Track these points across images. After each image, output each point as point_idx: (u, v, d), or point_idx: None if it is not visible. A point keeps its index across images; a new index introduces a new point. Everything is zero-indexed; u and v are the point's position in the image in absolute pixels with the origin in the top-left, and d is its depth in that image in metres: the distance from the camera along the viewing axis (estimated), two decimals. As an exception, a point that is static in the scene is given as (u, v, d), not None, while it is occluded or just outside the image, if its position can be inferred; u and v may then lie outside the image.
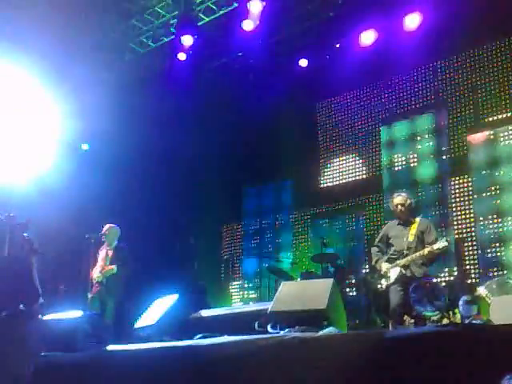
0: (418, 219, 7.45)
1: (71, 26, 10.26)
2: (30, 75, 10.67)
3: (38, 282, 5.97)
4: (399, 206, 7.42)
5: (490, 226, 9.92)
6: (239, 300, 12.90)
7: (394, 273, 7.17)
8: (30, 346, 4.92)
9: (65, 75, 11.04)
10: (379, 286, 7.49)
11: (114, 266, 8.78)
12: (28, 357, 4.91)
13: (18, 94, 10.68)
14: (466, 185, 10.45)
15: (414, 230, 7.28)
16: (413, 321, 7.04)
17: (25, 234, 5.31)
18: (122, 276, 8.81)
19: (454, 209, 10.47)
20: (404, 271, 7.11)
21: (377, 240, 7.77)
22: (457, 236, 10.30)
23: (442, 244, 6.94)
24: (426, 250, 7.02)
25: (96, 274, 8.73)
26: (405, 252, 7.18)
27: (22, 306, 4.95)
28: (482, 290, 8.25)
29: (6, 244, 5.23)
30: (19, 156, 10.73)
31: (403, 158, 11.32)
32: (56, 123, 11.16)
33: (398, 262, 7.19)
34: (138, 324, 7.97)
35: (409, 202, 7.46)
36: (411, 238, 7.22)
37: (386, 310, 7.38)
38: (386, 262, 7.33)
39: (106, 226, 9.00)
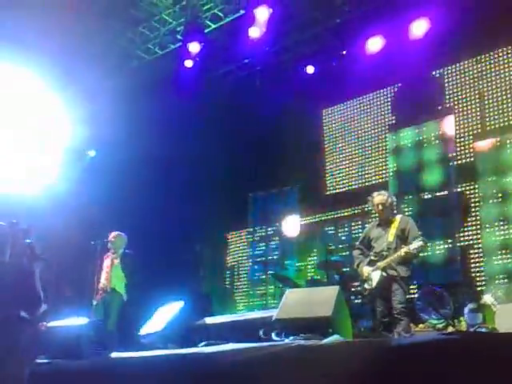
0: (398, 218, 7.20)
1: (78, 33, 10.30)
2: (37, 83, 10.73)
3: (43, 288, 5.98)
4: (380, 206, 7.17)
5: (497, 233, 9.87)
6: (244, 307, 12.87)
7: (375, 276, 6.94)
8: (24, 352, 4.92)
9: (72, 82, 11.10)
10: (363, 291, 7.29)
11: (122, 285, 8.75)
12: (22, 363, 4.91)
13: (24, 101, 10.74)
14: (472, 192, 10.40)
15: (394, 229, 7.03)
16: (401, 329, 6.81)
17: (27, 240, 5.31)
18: (128, 283, 8.78)
19: (461, 216, 10.42)
20: (385, 274, 6.87)
21: (358, 242, 7.55)
22: (463, 243, 10.25)
23: (418, 243, 6.72)
24: (402, 251, 6.78)
25: (101, 281, 8.71)
26: (384, 253, 6.94)
27: (23, 312, 4.94)
28: (487, 298, 8.21)
29: (7, 250, 5.22)
30: (26, 163, 10.78)
31: (410, 165, 11.29)
32: (63, 130, 11.20)
33: (378, 264, 6.94)
34: (143, 331, 7.98)
35: (390, 200, 7.21)
36: (391, 238, 6.98)
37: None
38: (367, 265, 7.09)
39: (113, 234, 8.96)
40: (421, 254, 7.36)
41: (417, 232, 7.00)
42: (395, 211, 7.42)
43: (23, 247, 5.22)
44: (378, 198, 7.24)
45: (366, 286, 7.09)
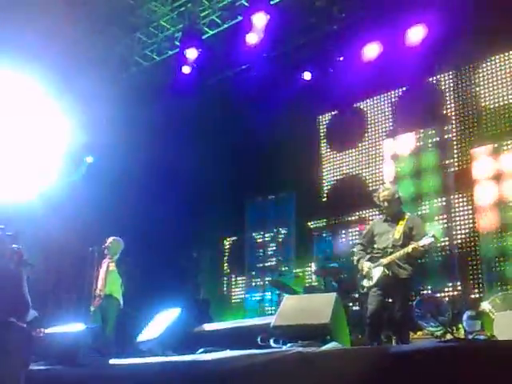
0: (407, 216, 6.92)
1: (76, 39, 10.31)
2: (35, 88, 10.72)
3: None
4: (385, 202, 6.91)
5: (494, 240, 9.86)
6: (242, 314, 12.81)
7: (376, 273, 6.67)
8: (16, 356, 4.91)
9: (69, 88, 11.10)
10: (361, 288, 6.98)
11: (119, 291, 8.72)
12: (15, 368, 4.90)
13: (22, 107, 10.73)
14: (470, 198, 10.39)
15: (401, 226, 6.75)
16: (399, 339, 6.69)
17: (14, 246, 5.29)
18: (126, 290, 8.76)
19: (458, 222, 10.41)
20: (387, 271, 6.59)
21: (361, 237, 7.30)
22: (461, 250, 10.24)
23: (427, 240, 6.47)
24: (410, 247, 6.49)
25: (98, 287, 8.69)
26: (389, 250, 6.66)
27: (11, 317, 4.93)
28: (485, 305, 8.20)
29: None
30: (24, 169, 10.76)
31: (407, 172, 11.28)
32: (61, 136, 11.19)
33: (381, 260, 6.67)
34: (141, 338, 7.96)
35: (396, 196, 6.95)
36: (397, 236, 6.70)
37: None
38: (368, 260, 6.82)
39: (109, 239, 8.96)
40: (427, 255, 7.06)
41: (424, 231, 6.79)
42: (402, 208, 7.11)
43: (10, 253, 5.20)
44: (384, 193, 6.98)
45: (364, 282, 6.84)
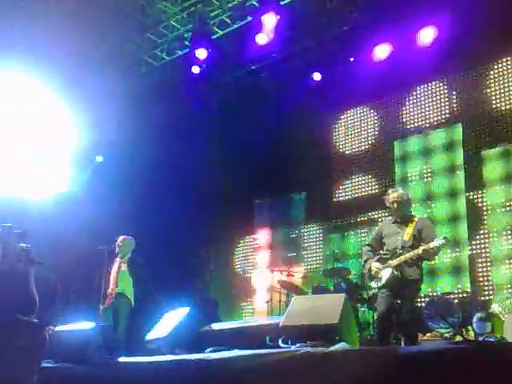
0: (416, 218, 6.96)
1: (87, 39, 10.35)
2: (45, 87, 10.78)
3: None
4: (395, 204, 6.91)
5: (505, 242, 9.82)
6: (250, 314, 12.84)
7: (385, 274, 6.64)
8: (26, 355, 4.92)
9: (80, 87, 11.14)
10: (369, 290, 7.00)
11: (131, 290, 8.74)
12: (25, 367, 4.91)
13: (33, 105, 10.78)
14: (480, 200, 10.35)
15: (410, 228, 6.75)
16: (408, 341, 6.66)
17: (22, 244, 5.30)
18: (137, 290, 8.76)
19: (468, 224, 10.36)
20: (396, 272, 6.56)
21: (370, 238, 7.31)
22: (471, 252, 10.20)
23: (439, 242, 6.45)
24: (421, 249, 6.49)
25: (110, 286, 8.70)
26: (398, 251, 6.65)
27: (19, 315, 4.94)
28: (495, 307, 8.18)
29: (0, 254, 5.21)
30: (35, 168, 10.81)
31: (417, 173, 11.25)
32: (71, 135, 11.25)
33: (390, 262, 6.65)
34: (150, 336, 7.97)
35: (406, 198, 6.97)
36: (407, 237, 6.70)
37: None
38: (377, 261, 6.79)
39: (121, 238, 8.94)
40: (437, 256, 7.07)
41: (434, 233, 6.79)
42: (411, 210, 7.15)
43: (18, 251, 5.21)
44: (393, 195, 6.98)
45: (372, 283, 6.83)
